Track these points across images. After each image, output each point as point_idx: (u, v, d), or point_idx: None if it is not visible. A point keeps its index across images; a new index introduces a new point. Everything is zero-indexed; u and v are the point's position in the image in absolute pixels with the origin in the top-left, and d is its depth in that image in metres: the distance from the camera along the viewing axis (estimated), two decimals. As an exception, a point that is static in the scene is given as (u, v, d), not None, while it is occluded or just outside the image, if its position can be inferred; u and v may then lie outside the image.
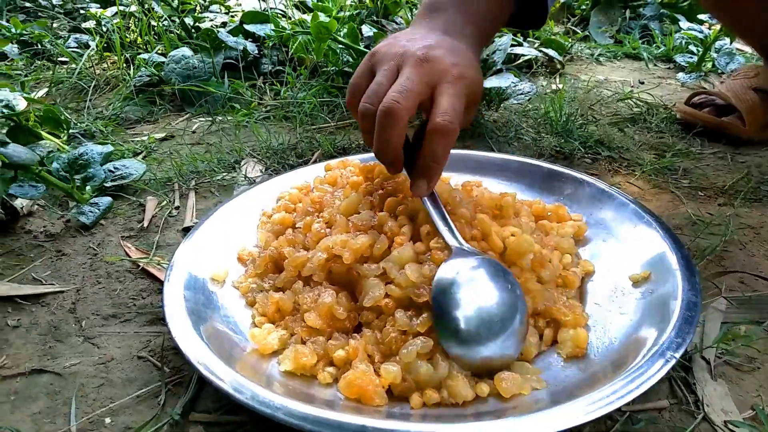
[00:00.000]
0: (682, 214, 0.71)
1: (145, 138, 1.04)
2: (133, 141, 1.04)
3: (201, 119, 1.11)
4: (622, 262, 0.57)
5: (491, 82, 0.91)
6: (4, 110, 0.90)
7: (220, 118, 1.08)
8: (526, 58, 1.25)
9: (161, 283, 0.59)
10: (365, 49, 0.91)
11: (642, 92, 1.15)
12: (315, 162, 0.87)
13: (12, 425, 0.47)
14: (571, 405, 0.40)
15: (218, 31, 1.21)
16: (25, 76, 1.54)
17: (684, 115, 0.98)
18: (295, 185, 0.69)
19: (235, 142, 0.97)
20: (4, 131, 0.90)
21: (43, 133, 0.95)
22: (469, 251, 0.49)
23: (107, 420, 0.47)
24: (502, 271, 0.47)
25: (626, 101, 1.10)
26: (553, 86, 1.22)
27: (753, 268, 0.61)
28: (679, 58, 1.48)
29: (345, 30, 0.90)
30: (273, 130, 1.02)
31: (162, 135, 1.06)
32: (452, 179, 0.72)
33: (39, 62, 1.65)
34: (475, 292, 0.45)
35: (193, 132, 1.07)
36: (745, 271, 0.60)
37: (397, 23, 1.27)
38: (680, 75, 1.39)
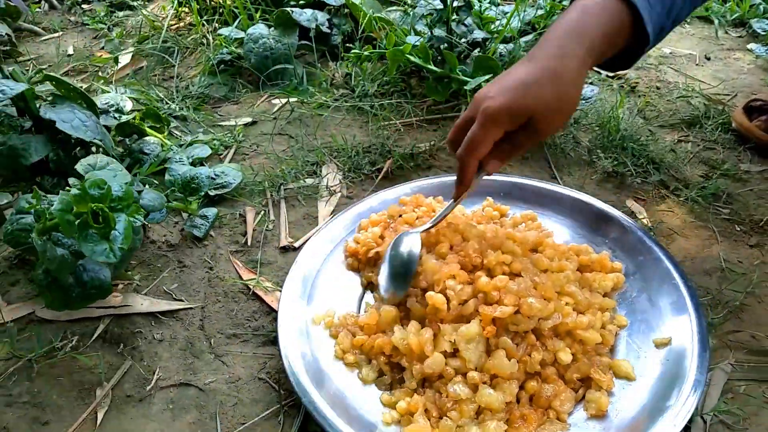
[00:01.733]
0: (713, 258, 0.80)
1: (232, 124, 1.17)
2: (221, 126, 1.16)
3: (279, 100, 1.21)
4: (650, 321, 0.69)
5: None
6: (116, 114, 1.03)
7: (294, 99, 1.18)
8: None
9: (268, 306, 0.75)
10: (435, 68, 0.98)
11: (704, 84, 1.18)
12: (386, 175, 0.98)
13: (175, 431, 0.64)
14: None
15: (292, 12, 1.28)
16: (109, 29, 1.65)
17: (738, 126, 1.02)
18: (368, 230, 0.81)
19: (313, 137, 1.08)
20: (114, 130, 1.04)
21: (147, 129, 1.08)
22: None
23: (243, 436, 0.64)
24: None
25: (686, 98, 1.13)
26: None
27: (765, 327, 0.71)
28: (755, 24, 1.44)
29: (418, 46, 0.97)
30: (346, 124, 1.12)
31: (247, 120, 1.18)
32: (510, 211, 0.83)
33: (120, 13, 1.75)
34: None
35: (274, 118, 1.17)
36: (755, 332, 0.70)
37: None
38: (753, 45, 1.37)
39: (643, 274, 0.74)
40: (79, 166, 0.72)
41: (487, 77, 0.93)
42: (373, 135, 1.07)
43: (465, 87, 0.94)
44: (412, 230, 0.74)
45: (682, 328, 0.66)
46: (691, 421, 0.61)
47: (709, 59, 1.33)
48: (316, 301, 0.74)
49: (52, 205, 0.56)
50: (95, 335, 0.75)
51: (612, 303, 0.71)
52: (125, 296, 0.80)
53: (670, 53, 1.35)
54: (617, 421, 0.60)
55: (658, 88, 1.19)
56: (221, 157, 1.08)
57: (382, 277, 0.71)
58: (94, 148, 0.82)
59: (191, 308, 0.78)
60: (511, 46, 1.09)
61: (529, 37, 1.17)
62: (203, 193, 0.92)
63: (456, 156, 0.65)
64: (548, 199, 0.85)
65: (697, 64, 1.31)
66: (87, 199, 0.55)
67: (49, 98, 0.78)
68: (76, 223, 0.54)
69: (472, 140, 0.63)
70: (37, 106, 0.76)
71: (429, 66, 0.96)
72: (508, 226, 0.79)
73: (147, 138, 1.09)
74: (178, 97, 1.26)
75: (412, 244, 0.71)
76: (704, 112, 1.09)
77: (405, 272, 0.69)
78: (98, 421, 0.66)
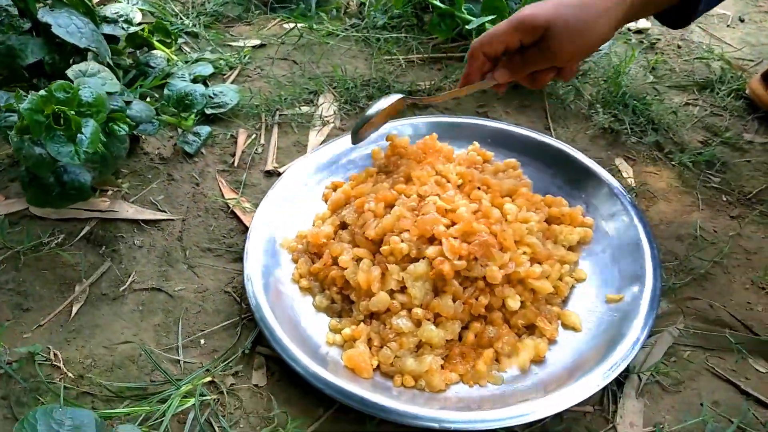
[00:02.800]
0: (690, 224, 0.79)
1: (241, 45, 1.17)
2: (230, 46, 1.17)
3: (291, 23, 1.20)
4: (608, 278, 0.70)
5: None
6: (124, 24, 1.04)
7: (303, 25, 1.17)
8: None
9: (244, 225, 0.78)
10: (440, 3, 0.96)
11: (729, 47, 1.13)
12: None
13: (141, 332, 0.69)
14: (516, 407, 0.57)
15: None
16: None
17: (751, 93, 0.99)
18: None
19: (317, 65, 1.08)
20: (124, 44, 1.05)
21: (155, 43, 1.09)
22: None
23: (202, 341, 0.68)
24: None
25: (705, 60, 1.09)
26: (640, 24, 1.20)
27: (725, 298, 0.71)
28: (800, -13, 1.36)
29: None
30: (351, 54, 1.11)
31: (255, 42, 1.18)
32: (494, 157, 0.83)
33: None
34: None
35: (282, 43, 1.17)
36: (712, 301, 0.70)
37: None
38: (793, 9, 1.30)
39: (613, 233, 0.74)
40: (70, 72, 0.74)
41: (491, 18, 0.91)
42: (375, 68, 1.06)
43: (467, 26, 0.92)
44: (401, 95, 0.78)
45: (636, 289, 0.67)
46: (627, 377, 0.63)
47: (742, 21, 1.27)
48: (287, 226, 0.76)
49: (31, 105, 0.59)
50: (80, 235, 0.79)
51: (574, 256, 0.71)
52: (113, 202, 0.83)
53: (703, 11, 1.28)
54: (552, 367, 0.62)
55: (678, 47, 1.14)
56: (224, 77, 1.09)
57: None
58: (90, 56, 0.83)
59: (173, 220, 0.82)
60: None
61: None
62: (197, 111, 0.94)
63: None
64: (534, 149, 0.84)
65: (728, 26, 1.24)
66: (52, 101, 0.57)
67: (49, 2, 0.79)
68: (44, 124, 0.57)
69: (487, 34, 0.66)
70: (37, 8, 0.78)
71: (434, 2, 0.94)
72: (488, 172, 0.79)
73: (154, 51, 1.10)
74: (192, 13, 1.26)
75: (386, 101, 0.76)
76: (720, 76, 1.05)
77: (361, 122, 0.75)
78: (72, 313, 0.70)
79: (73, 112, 0.58)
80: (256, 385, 0.64)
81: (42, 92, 0.57)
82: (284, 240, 0.74)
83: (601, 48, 1.02)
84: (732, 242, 0.77)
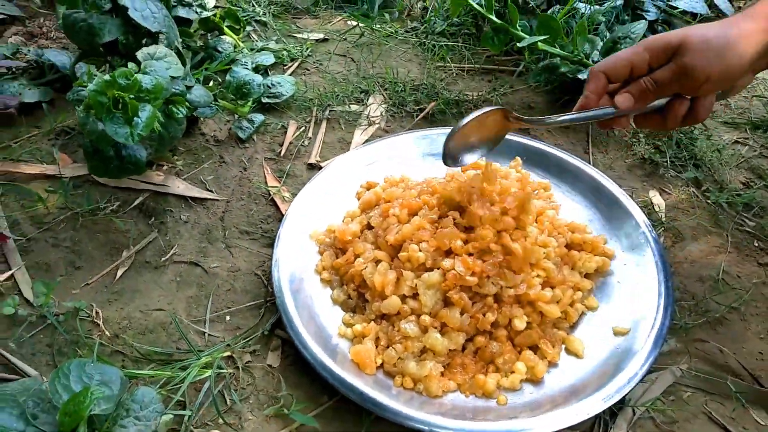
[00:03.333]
0: (715, 266, 0.79)
1: (305, 37, 1.22)
2: (295, 38, 1.22)
3: (354, 21, 1.25)
4: (618, 310, 0.71)
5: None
6: (198, 9, 1.11)
7: (363, 25, 1.21)
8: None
9: (281, 213, 0.83)
10: (495, 18, 0.98)
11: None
12: (426, 116, 1.01)
13: (175, 302, 0.75)
14: (507, 422, 0.60)
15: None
16: None
17: (807, 139, 0.96)
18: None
19: (373, 65, 1.12)
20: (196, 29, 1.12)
21: (225, 29, 1.16)
22: None
23: (227, 318, 0.74)
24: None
25: (764, 98, 1.07)
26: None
27: (736, 345, 0.71)
28: None
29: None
30: (407, 58, 1.15)
31: (319, 36, 1.23)
32: (531, 176, 0.85)
33: None
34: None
35: (344, 39, 1.22)
36: (723, 347, 0.71)
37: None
38: None
39: (631, 266, 0.75)
40: (140, 54, 0.80)
41: (544, 37, 0.92)
42: (427, 74, 1.09)
43: (518, 43, 0.94)
44: (501, 108, 0.67)
45: (643, 324, 0.68)
46: (621, 409, 0.65)
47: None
48: (320, 219, 0.81)
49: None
50: (134, 204, 0.86)
51: (588, 284, 0.73)
52: (167, 177, 0.90)
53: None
54: (549, 389, 0.65)
55: (740, 81, 1.12)
56: (285, 67, 1.14)
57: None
58: (162, 38, 0.90)
59: (218, 200, 0.88)
60: (589, 9, 1.05)
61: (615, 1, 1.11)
62: (253, 99, 1.00)
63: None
64: (568, 173, 0.86)
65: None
66: (114, 86, 0.64)
67: (130, -15, 0.86)
68: (106, 105, 0.63)
69: (611, 56, 0.60)
70: (118, -9, 0.84)
71: (489, 15, 0.96)
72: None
73: (223, 37, 1.16)
74: (264, 1, 1.32)
75: (478, 112, 0.65)
76: (778, 118, 1.02)
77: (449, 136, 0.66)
78: (117, 276, 0.78)
79: (132, 97, 0.64)
80: (270, 365, 0.69)
81: (107, 77, 0.64)
82: (314, 232, 0.79)
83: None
84: (755, 290, 0.77)
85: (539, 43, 0.94)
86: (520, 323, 0.67)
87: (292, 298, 0.70)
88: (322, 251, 0.77)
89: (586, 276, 0.74)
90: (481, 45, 1.08)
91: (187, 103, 0.82)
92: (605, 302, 0.73)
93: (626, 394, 0.63)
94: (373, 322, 0.68)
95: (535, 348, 0.68)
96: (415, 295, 0.68)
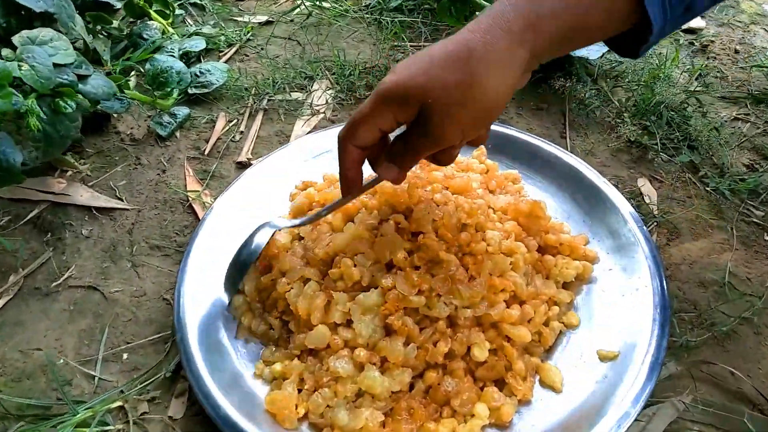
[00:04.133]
0: (720, 267, 0.66)
1: (246, 20, 1.08)
2: (236, 22, 1.08)
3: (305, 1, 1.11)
4: (604, 328, 0.58)
5: (581, 51, 0.81)
6: (117, -10, 0.96)
7: (309, 4, 1.07)
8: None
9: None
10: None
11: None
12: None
13: (64, 337, 0.61)
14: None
15: None
16: None
17: (818, 113, 0.83)
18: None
19: (320, 47, 0.98)
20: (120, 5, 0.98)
21: (152, 13, 1.01)
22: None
23: (125, 356, 0.60)
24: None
25: (765, 68, 0.93)
26: (693, 23, 1.05)
27: (750, 365, 0.58)
28: None
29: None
30: (359, 38, 1.01)
31: (263, 19, 1.09)
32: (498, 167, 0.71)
33: None
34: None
35: (291, 21, 1.08)
36: (734, 369, 0.57)
37: None
38: None
39: (618, 271, 0.62)
40: (17, 38, 0.66)
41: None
42: (380, 55, 0.95)
43: (478, 13, 0.80)
44: (275, 223, 0.61)
45: (635, 346, 0.55)
46: (611, 455, 0.51)
47: (821, 26, 1.09)
48: (245, 228, 0.67)
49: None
50: (27, 218, 0.72)
51: (567, 297, 0.60)
52: (70, 184, 0.76)
53: (773, 12, 1.11)
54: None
55: (736, 51, 0.98)
56: (221, 54, 1.00)
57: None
58: (60, 24, 0.76)
59: (127, 209, 0.74)
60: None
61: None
62: (180, 90, 0.86)
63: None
64: (541, 162, 0.72)
65: (802, 31, 1.07)
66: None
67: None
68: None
69: (352, 119, 0.47)
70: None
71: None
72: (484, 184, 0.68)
73: (151, 22, 1.02)
74: (203, -18, 1.18)
75: (260, 240, 0.59)
76: (783, 89, 0.89)
77: (240, 270, 0.59)
78: (-2, 307, 0.64)
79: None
80: (170, 418, 0.55)
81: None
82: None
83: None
84: (768, 295, 0.63)
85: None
86: (480, 352, 0.53)
87: (197, 332, 0.56)
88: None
89: (564, 286, 0.61)
90: (438, 18, 0.94)
91: (80, 96, 0.68)
92: (588, 318, 0.59)
93: (616, 440, 0.49)
94: (297, 359, 0.54)
95: (501, 382, 0.54)
96: (349, 323, 0.54)
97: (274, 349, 0.56)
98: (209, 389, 0.51)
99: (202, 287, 0.60)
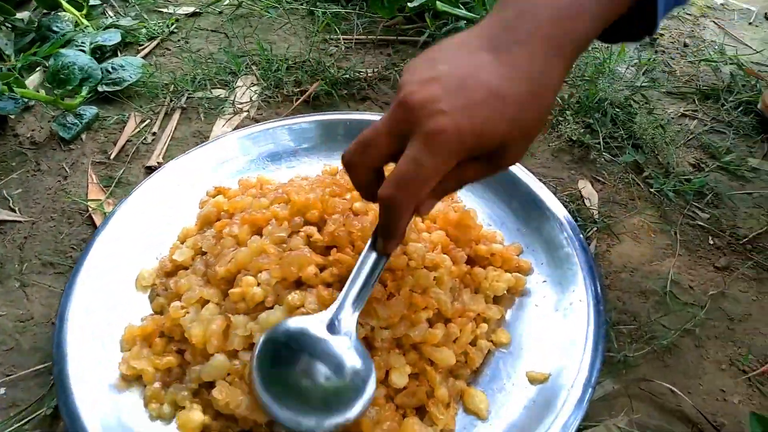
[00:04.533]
0: (660, 275, 0.62)
1: (171, 11, 1.01)
2: (161, 13, 1.01)
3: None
4: (536, 347, 0.53)
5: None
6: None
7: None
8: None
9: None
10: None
11: (747, 50, 0.94)
12: (308, 100, 0.81)
13: (-65, 370, 0.54)
14: None
15: None
16: None
17: (764, 108, 0.80)
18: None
19: (247, 41, 0.91)
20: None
21: (64, 4, 0.93)
22: (339, 332, 0.46)
23: (2, 390, 0.53)
24: (354, 370, 0.45)
25: (713, 63, 0.90)
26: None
27: (692, 381, 0.54)
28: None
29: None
30: (291, 31, 0.94)
31: (190, 10, 1.01)
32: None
33: None
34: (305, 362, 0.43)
35: (220, 12, 1.01)
36: (674, 386, 0.53)
37: None
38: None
39: (552, 283, 0.57)
40: None
41: (442, -4, 0.73)
42: (312, 49, 0.89)
43: (408, 3, 0.75)
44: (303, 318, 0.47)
45: (566, 367, 0.50)
46: (538, 490, 0.46)
47: (769, 18, 1.07)
48: (150, 244, 0.60)
49: None
50: None
51: (497, 313, 0.54)
52: (-43, 194, 0.68)
53: (721, 4, 1.09)
54: (436, 473, 0.46)
55: (685, 45, 0.95)
56: (140, 48, 0.92)
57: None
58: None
59: (20, 222, 0.66)
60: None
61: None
62: (74, 87, 0.78)
63: (380, 197, 0.40)
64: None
65: (750, 23, 1.05)
66: None
67: None
68: None
69: (415, 178, 0.38)
70: None
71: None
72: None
73: (63, 14, 0.94)
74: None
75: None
76: (729, 84, 0.86)
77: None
78: None
79: None
80: (51, 462, 0.48)
81: None
82: (142, 272, 0.58)
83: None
84: (711, 304, 0.59)
85: (438, 4, 0.75)
86: (399, 378, 0.48)
87: (79, 364, 0.49)
88: (153, 297, 0.56)
89: (495, 300, 0.56)
90: (371, 10, 0.88)
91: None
92: (519, 336, 0.54)
93: (545, 474, 0.44)
94: (195, 398, 0.48)
95: (423, 409, 0.49)
96: (252, 347, 0.48)
97: (158, 385, 0.49)
98: (86, 430, 0.45)
99: (94, 310, 0.53)
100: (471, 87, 0.38)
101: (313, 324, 0.45)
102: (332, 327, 0.45)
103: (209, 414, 0.47)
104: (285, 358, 0.44)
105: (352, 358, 0.44)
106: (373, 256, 0.46)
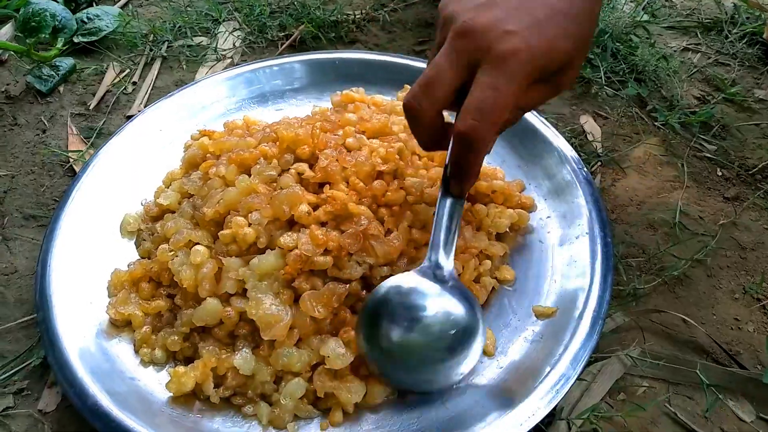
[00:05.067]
0: (668, 206, 0.59)
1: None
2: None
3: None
4: (542, 281, 0.51)
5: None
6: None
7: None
8: None
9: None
10: None
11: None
12: (293, 44, 0.77)
13: None
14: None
15: None
16: None
17: (770, 38, 0.77)
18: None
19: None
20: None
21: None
22: (439, 275, 0.44)
23: (-12, 344, 0.51)
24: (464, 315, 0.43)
25: (714, -6, 0.87)
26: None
27: (704, 311, 0.52)
28: None
29: None
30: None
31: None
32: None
33: None
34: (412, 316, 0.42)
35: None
36: (687, 316, 0.51)
37: None
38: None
39: (556, 218, 0.55)
40: None
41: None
42: (297, -8, 0.85)
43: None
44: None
45: (575, 300, 0.48)
46: (551, 424, 0.45)
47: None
48: (133, 189, 0.57)
49: None
50: None
51: (500, 249, 0.52)
52: (-71, 152, 0.65)
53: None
54: (442, 411, 0.44)
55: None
56: (117, -2, 0.88)
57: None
58: None
59: (-1, 176, 0.63)
60: None
61: None
62: (46, 36, 0.74)
63: (460, 132, 0.38)
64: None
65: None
66: None
67: None
68: None
69: (495, 104, 0.37)
70: None
71: None
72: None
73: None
74: None
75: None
76: (732, 16, 0.82)
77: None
78: None
79: None
80: (40, 411, 0.46)
81: None
82: (126, 217, 0.55)
83: None
84: (722, 233, 0.57)
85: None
86: None
87: (65, 309, 0.47)
88: (139, 242, 0.53)
89: (498, 237, 0.53)
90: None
91: None
92: (522, 271, 0.52)
93: (557, 404, 0.43)
94: (186, 342, 0.46)
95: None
96: (245, 292, 0.45)
97: (147, 329, 0.47)
98: (76, 375, 0.42)
99: (77, 257, 0.51)
100: (532, 6, 0.38)
101: (420, 279, 0.44)
102: (436, 277, 0.44)
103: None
104: (401, 317, 0.42)
105: (465, 306, 0.43)
106: (449, 201, 0.44)
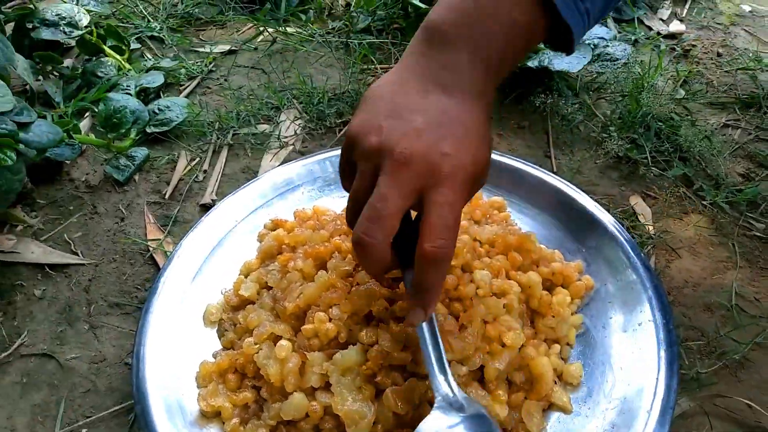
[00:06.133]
0: (724, 288, 0.61)
1: (208, 50, 1.03)
2: (197, 53, 1.03)
3: (267, 28, 1.06)
4: (605, 367, 0.53)
5: (561, 65, 0.77)
6: (67, 28, 0.91)
7: (272, 30, 1.02)
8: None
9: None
10: (419, 2, 0.80)
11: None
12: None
13: (16, 414, 0.55)
14: None
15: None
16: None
17: (809, 114, 0.80)
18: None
19: (286, 75, 0.93)
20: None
21: (106, 49, 0.96)
22: (455, 403, 0.44)
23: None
24: None
25: (750, 71, 0.90)
26: (672, 27, 1.01)
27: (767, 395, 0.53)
28: None
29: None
30: (327, 63, 0.96)
31: (226, 48, 1.04)
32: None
33: None
34: None
35: (255, 48, 1.03)
36: (751, 401, 0.52)
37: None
38: None
39: (618, 301, 0.57)
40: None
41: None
42: (350, 79, 0.91)
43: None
44: None
45: (642, 389, 0.49)
46: None
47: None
48: (215, 279, 0.61)
49: None
50: (-27, 282, 0.66)
51: (569, 333, 0.54)
52: (19, 241, 0.70)
53: (750, 11, 1.09)
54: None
55: (719, 54, 0.95)
56: (181, 88, 0.95)
57: None
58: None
59: (83, 264, 0.68)
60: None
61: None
62: (137, 130, 0.80)
63: (426, 253, 0.39)
64: (526, 185, 0.67)
65: (783, 29, 1.05)
66: None
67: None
68: None
69: (453, 223, 0.40)
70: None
71: (413, 0, 0.78)
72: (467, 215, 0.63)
73: (105, 59, 0.97)
74: (161, 15, 1.13)
75: None
76: (769, 92, 0.85)
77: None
78: (-64, 388, 0.57)
79: None
80: (136, 501, 0.49)
81: None
82: (208, 308, 0.59)
83: (620, 56, 0.84)
84: (780, 315, 0.59)
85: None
86: (501, 409, 0.48)
87: (161, 402, 0.50)
88: (222, 332, 0.57)
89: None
90: (406, 38, 0.89)
91: (22, 146, 0.62)
92: (586, 356, 0.54)
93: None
94: (273, 432, 0.49)
95: None
96: (328, 386, 0.48)
97: (236, 421, 0.50)
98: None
99: (167, 348, 0.54)
100: (451, 127, 0.41)
101: (448, 419, 0.43)
102: (452, 406, 0.44)
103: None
104: None
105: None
106: (424, 325, 0.44)
